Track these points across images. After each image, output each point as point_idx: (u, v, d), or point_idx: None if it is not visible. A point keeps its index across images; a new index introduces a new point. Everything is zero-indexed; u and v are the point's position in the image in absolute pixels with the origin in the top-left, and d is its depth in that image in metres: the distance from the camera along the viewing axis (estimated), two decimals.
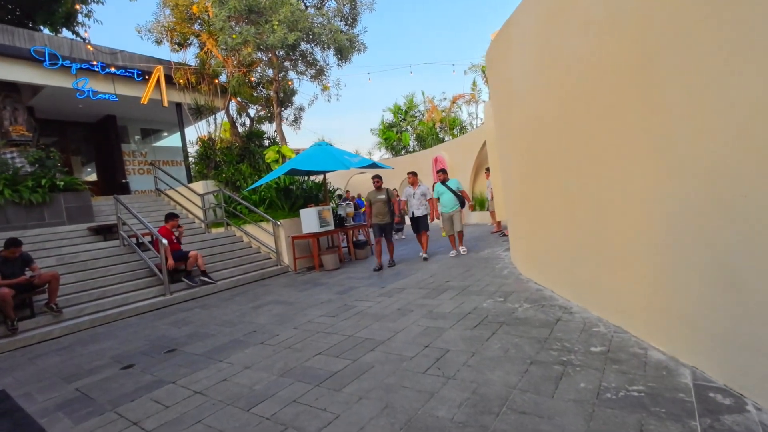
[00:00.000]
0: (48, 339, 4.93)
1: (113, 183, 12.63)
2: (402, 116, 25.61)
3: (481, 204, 13.05)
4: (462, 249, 7.22)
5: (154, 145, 15.31)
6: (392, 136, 24.65)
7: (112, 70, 10.26)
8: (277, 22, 8.52)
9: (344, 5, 10.01)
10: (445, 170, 7.39)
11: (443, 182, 7.18)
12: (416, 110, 25.20)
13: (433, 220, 7.26)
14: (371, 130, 26.58)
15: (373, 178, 7.13)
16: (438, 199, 7.19)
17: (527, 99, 4.16)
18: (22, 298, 5.13)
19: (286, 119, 13.83)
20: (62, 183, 8.34)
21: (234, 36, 8.63)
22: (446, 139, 21.75)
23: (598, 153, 2.93)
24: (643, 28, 2.29)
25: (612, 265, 2.94)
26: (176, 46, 11.34)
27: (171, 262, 6.31)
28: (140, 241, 7.18)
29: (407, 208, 7.59)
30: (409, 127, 25.49)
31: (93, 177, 13.76)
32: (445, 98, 23.96)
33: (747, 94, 1.71)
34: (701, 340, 2.16)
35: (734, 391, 1.94)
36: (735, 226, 1.84)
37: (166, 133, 15.60)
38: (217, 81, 10.67)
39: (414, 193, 7.40)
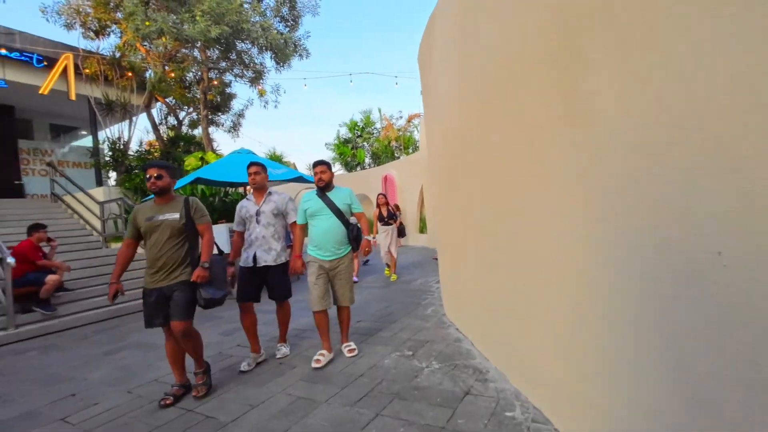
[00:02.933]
0: None
1: (5, 184, 10.77)
2: (358, 132, 25.02)
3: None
4: (346, 348, 3.33)
5: (73, 144, 13.56)
6: (347, 152, 23.90)
7: (4, 52, 8.73)
8: (200, 13, 7.53)
9: (283, 6, 9.21)
10: (323, 163, 3.35)
11: (322, 189, 3.31)
12: (373, 127, 24.72)
13: (296, 271, 3.28)
14: (326, 144, 25.71)
15: (148, 168, 2.75)
16: (304, 225, 3.32)
17: (447, 107, 3.46)
18: None
19: (223, 125, 12.69)
20: None
21: (147, 23, 7.53)
22: (402, 158, 21.34)
23: (514, 175, 2.21)
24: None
25: (532, 325, 2.18)
26: (91, 33, 9.98)
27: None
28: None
29: (241, 249, 3.42)
30: (365, 144, 24.92)
31: None
32: (401, 117, 23.67)
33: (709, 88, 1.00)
34: None
35: None
36: (696, 297, 1.10)
37: (84, 132, 13.88)
38: (131, 74, 9.39)
39: (258, 213, 3.32)
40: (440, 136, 3.88)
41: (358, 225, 3.32)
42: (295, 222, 3.36)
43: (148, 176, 2.71)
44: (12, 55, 8.83)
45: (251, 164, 3.38)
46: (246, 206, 3.40)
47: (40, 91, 9.22)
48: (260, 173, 3.39)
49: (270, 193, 3.43)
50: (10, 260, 4.89)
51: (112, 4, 9.34)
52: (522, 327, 2.31)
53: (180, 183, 6.80)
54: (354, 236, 3.24)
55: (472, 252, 3.09)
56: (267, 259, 3.27)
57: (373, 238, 6.65)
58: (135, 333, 4.71)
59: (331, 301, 3.26)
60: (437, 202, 4.44)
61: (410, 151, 21.89)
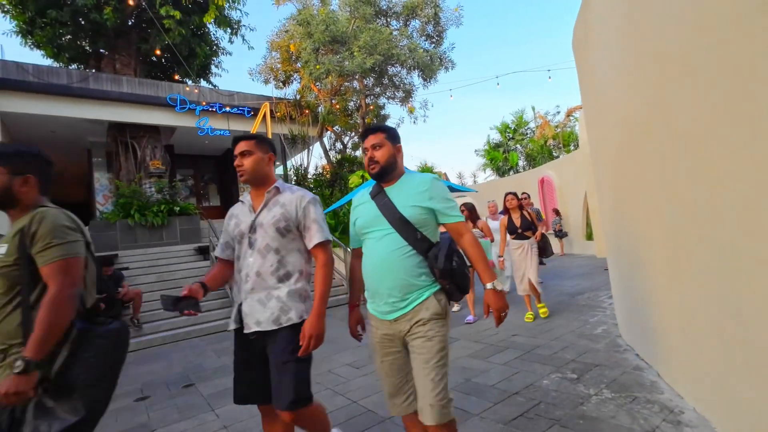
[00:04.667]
0: None
1: (229, 207, 14.34)
2: (510, 135, 23.85)
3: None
4: None
5: None
6: (498, 157, 23.04)
7: (227, 109, 11.70)
8: (357, 49, 8.56)
9: (427, 24, 9.63)
10: (378, 130, 1.69)
11: (378, 179, 1.71)
12: (526, 127, 23.17)
13: (353, 334, 1.84)
14: (475, 151, 25.33)
15: None
16: (359, 250, 1.76)
17: (614, 93, 3.00)
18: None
19: None
20: (178, 208, 9.62)
21: (317, 66, 8.98)
22: (561, 157, 19.35)
23: (717, 167, 1.75)
24: None
25: (758, 359, 1.67)
26: (280, 83, 12.48)
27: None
28: None
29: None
30: (518, 146, 23.56)
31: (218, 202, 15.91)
32: (558, 111, 21.47)
33: None
34: None
35: None
36: None
37: (278, 162, 17.27)
38: (307, 111, 11.28)
39: (254, 228, 1.76)
40: (606, 127, 3.39)
41: (453, 245, 1.61)
42: (320, 245, 1.75)
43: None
44: (232, 110, 11.76)
45: (235, 140, 1.82)
46: (236, 214, 1.86)
47: None
48: (251, 153, 1.77)
49: (277, 190, 1.81)
50: None
51: (293, 57, 11.47)
52: (739, 360, 1.79)
53: (342, 201, 7.77)
54: (443, 268, 1.53)
55: (660, 262, 2.57)
56: (261, 317, 1.67)
57: (500, 258, 4.90)
58: None
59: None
60: (606, 205, 3.87)
61: (571, 148, 19.63)
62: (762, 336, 1.56)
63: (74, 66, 12.95)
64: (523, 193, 5.94)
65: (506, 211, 4.74)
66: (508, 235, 4.70)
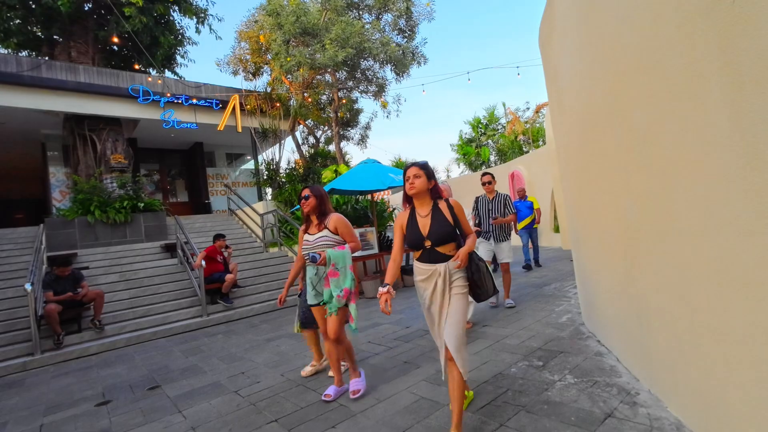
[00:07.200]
0: (84, 355, 5.14)
1: (199, 203, 13.88)
2: (482, 130, 24.26)
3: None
4: None
5: (242, 168, 16.64)
6: (471, 152, 23.41)
7: (194, 101, 11.28)
8: (328, 41, 8.43)
9: (399, 18, 9.61)
10: None
11: None
12: (497, 123, 23.63)
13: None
14: (451, 145, 25.62)
15: None
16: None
17: (573, 90, 3.10)
18: (73, 313, 5.49)
19: (353, 139, 13.87)
20: (142, 204, 9.22)
21: (288, 59, 8.78)
22: (531, 152, 19.85)
23: (665, 161, 1.85)
24: None
25: (701, 340, 1.79)
26: (250, 75, 12.13)
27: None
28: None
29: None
30: (489, 141, 24.01)
31: (186, 198, 15.36)
32: (528, 108, 22.03)
33: None
34: None
35: None
36: None
37: (249, 157, 16.85)
38: (278, 104, 11.04)
39: None
40: (567, 123, 3.50)
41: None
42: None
43: None
44: (200, 102, 11.34)
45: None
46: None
47: (218, 128, 11.59)
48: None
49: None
50: (203, 263, 6.28)
51: (263, 49, 11.18)
52: (685, 343, 1.91)
53: None
54: None
55: (618, 254, 2.69)
56: None
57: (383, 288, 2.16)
58: (290, 324, 5.52)
59: None
60: (569, 198, 4.01)
61: (540, 143, 20.19)
62: (706, 323, 1.67)
63: (24, 53, 12.09)
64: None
65: (407, 201, 2.32)
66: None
